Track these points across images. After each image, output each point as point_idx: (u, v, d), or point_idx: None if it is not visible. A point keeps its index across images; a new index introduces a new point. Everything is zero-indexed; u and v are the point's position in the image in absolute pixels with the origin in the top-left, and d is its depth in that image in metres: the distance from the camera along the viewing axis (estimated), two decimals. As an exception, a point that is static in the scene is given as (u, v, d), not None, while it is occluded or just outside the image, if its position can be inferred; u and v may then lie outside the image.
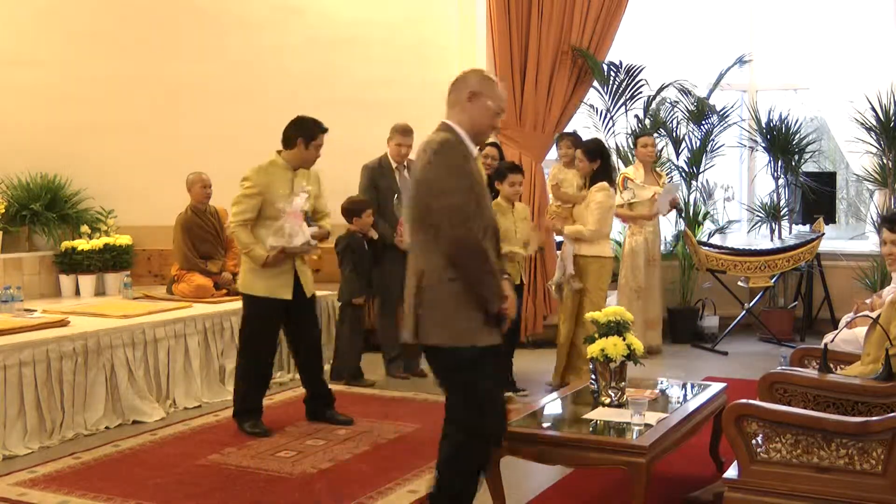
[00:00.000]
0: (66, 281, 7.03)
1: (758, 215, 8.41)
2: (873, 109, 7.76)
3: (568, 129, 7.63)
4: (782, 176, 8.21)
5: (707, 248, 7.69)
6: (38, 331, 5.11)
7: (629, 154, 7.98)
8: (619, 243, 8.13)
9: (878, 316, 3.76)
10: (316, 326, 5.42)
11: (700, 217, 8.18)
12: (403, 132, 6.50)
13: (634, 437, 3.53)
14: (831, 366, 3.81)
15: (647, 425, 3.60)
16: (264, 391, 5.26)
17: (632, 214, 7.27)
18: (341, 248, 6.32)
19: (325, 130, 5.11)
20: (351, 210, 6.29)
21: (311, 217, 5.18)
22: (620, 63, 7.92)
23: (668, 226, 8.09)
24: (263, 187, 4.99)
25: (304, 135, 5.04)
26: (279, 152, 5.11)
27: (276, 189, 5.00)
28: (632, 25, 8.12)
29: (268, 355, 5.18)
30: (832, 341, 4.33)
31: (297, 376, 6.51)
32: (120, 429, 5.25)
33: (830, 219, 8.02)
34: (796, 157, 8.13)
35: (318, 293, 6.78)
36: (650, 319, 7.34)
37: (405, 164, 6.57)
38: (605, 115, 8.08)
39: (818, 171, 8.47)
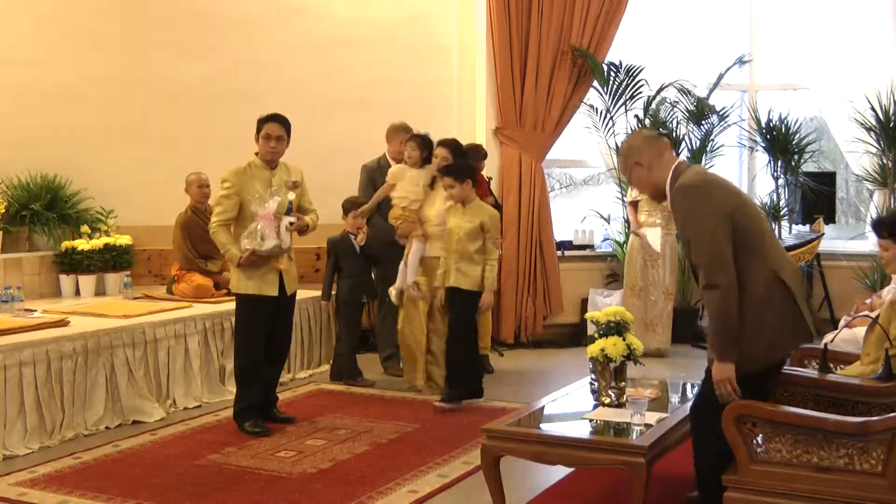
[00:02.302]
0: (66, 281, 7.02)
1: (758, 215, 8.39)
2: (873, 109, 7.76)
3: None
4: (782, 176, 8.20)
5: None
6: (38, 331, 5.11)
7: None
8: (619, 243, 8.15)
9: (878, 316, 3.76)
10: (290, 325, 5.47)
11: (700, 217, 8.16)
12: (407, 130, 6.50)
13: (634, 437, 3.53)
14: (831, 366, 3.81)
15: (647, 425, 3.61)
16: (263, 389, 5.27)
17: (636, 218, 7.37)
18: (328, 249, 6.37)
19: (272, 120, 5.11)
20: (343, 208, 6.36)
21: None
22: (620, 63, 7.92)
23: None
24: (240, 187, 5.04)
25: (256, 129, 5.14)
26: (257, 153, 5.17)
27: (253, 189, 5.05)
28: (632, 25, 8.12)
29: (260, 353, 5.19)
30: (832, 341, 4.33)
31: (298, 376, 6.57)
32: (120, 429, 5.25)
33: (830, 219, 8.02)
34: (796, 157, 8.12)
35: (317, 293, 6.83)
36: (650, 320, 7.34)
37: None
38: (605, 115, 8.08)
39: (818, 171, 8.46)
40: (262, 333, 5.17)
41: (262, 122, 5.13)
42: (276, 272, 5.14)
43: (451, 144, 6.04)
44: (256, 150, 5.17)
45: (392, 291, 6.06)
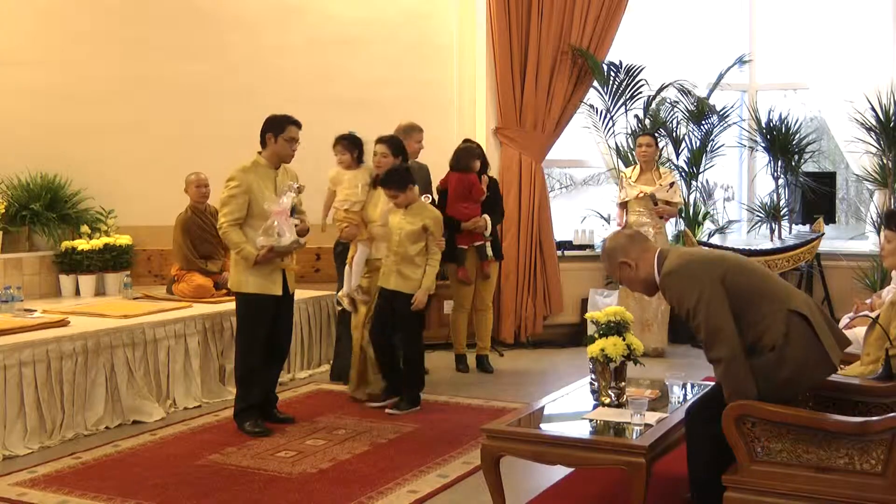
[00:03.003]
0: (66, 281, 7.02)
1: (758, 215, 8.41)
2: (873, 109, 7.76)
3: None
4: (782, 176, 8.21)
5: (707, 248, 7.70)
6: (38, 331, 5.11)
7: (629, 154, 7.98)
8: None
9: (878, 316, 3.76)
10: (290, 323, 5.47)
11: (700, 217, 8.18)
12: (420, 129, 6.50)
13: (634, 437, 3.53)
14: (831, 366, 3.80)
15: (647, 425, 3.60)
16: (264, 389, 5.27)
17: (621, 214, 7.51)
18: (339, 251, 6.33)
19: (295, 123, 5.13)
20: None
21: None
22: (620, 63, 7.92)
23: (669, 226, 8.10)
24: (247, 186, 5.04)
25: (273, 130, 5.10)
26: (260, 153, 5.16)
27: (261, 188, 5.06)
28: (632, 25, 8.12)
29: (262, 352, 5.19)
30: (832, 341, 4.33)
31: (297, 376, 6.57)
32: (120, 429, 5.25)
33: (830, 219, 8.02)
34: (796, 157, 8.12)
35: (317, 293, 6.84)
36: (645, 320, 7.32)
37: (408, 161, 6.59)
38: (605, 115, 8.08)
39: (818, 171, 8.46)
40: (264, 333, 5.17)
41: (284, 123, 5.10)
42: (281, 271, 5.16)
43: (389, 141, 5.91)
44: (259, 149, 5.15)
45: (343, 298, 5.89)
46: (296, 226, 5.12)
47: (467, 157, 6.60)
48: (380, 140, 5.91)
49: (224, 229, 5.09)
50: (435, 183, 6.78)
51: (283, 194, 5.04)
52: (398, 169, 5.66)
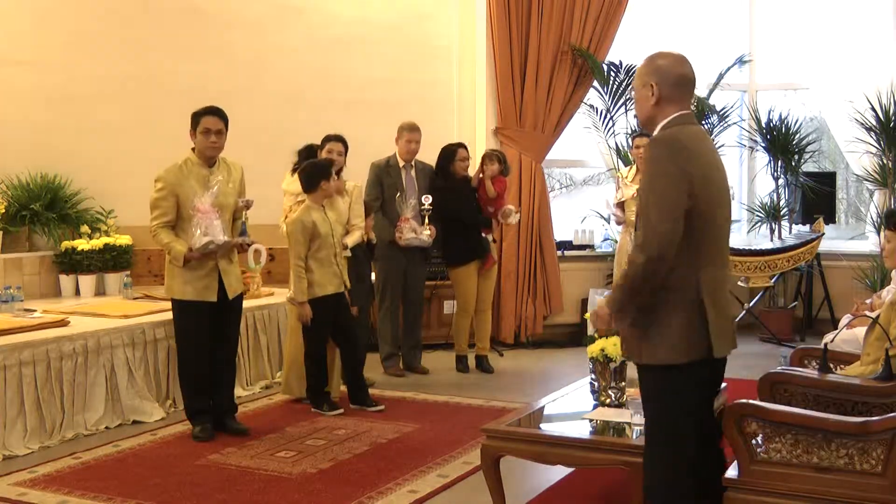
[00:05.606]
0: (66, 281, 7.02)
1: (758, 215, 8.41)
2: (873, 109, 7.76)
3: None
4: (782, 176, 8.21)
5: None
6: (38, 331, 5.11)
7: (630, 154, 7.98)
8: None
9: (878, 316, 3.76)
10: (234, 329, 5.24)
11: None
12: (411, 129, 6.55)
13: (634, 437, 3.53)
14: (831, 366, 3.81)
15: (647, 425, 3.60)
16: (208, 394, 5.13)
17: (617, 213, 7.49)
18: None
19: (210, 113, 4.88)
20: None
21: (235, 216, 5.07)
22: (620, 63, 7.93)
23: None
24: (174, 186, 4.86)
25: (191, 124, 4.92)
26: (193, 149, 4.98)
27: (189, 187, 4.86)
28: (632, 25, 8.12)
29: (203, 357, 5.04)
30: (832, 341, 4.33)
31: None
32: (120, 429, 5.25)
33: (830, 219, 8.03)
34: (796, 157, 8.13)
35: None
36: None
37: (412, 162, 6.60)
38: (605, 115, 8.08)
39: (818, 171, 8.47)
40: (202, 338, 4.99)
41: (198, 116, 4.88)
42: (216, 275, 4.94)
43: (343, 140, 5.96)
44: (193, 145, 4.97)
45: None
46: (257, 251, 4.96)
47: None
48: (337, 139, 5.95)
49: (153, 230, 4.88)
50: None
51: (207, 191, 4.82)
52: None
